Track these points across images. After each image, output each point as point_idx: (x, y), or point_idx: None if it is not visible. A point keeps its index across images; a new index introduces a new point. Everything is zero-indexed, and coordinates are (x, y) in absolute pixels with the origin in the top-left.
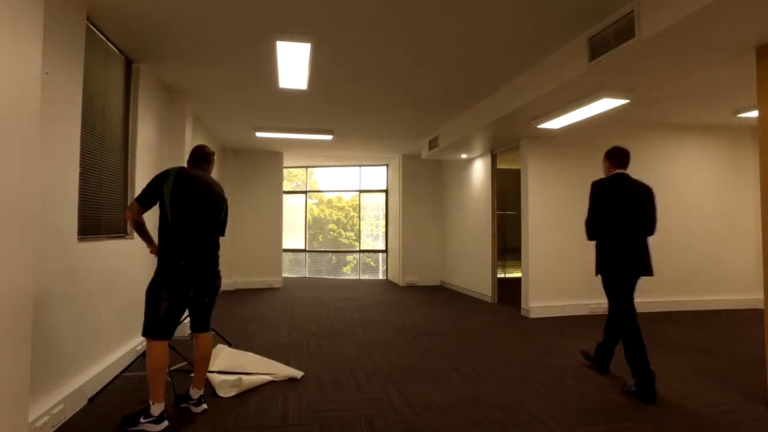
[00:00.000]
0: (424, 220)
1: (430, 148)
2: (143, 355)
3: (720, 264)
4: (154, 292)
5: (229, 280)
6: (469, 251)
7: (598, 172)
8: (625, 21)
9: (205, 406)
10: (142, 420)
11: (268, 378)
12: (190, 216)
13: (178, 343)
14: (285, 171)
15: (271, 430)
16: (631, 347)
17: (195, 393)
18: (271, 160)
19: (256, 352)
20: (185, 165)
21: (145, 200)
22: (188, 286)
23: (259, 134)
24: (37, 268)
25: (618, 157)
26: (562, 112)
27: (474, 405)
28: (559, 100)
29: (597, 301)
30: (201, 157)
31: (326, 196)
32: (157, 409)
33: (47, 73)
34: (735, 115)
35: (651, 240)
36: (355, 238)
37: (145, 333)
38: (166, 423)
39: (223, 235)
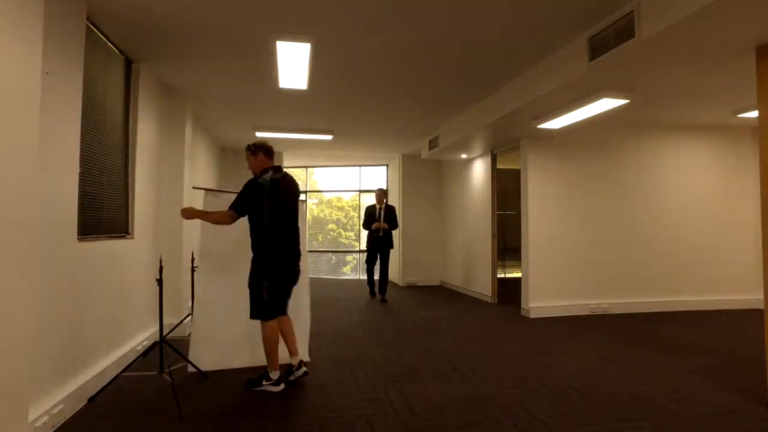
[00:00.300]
0: (424, 219)
1: (430, 148)
2: (143, 354)
3: (720, 264)
4: (258, 282)
5: None
6: (469, 251)
7: (599, 172)
8: (625, 21)
9: (305, 369)
10: (264, 382)
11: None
12: (283, 219)
13: (178, 343)
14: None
15: (272, 430)
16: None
17: (294, 360)
18: None
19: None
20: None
21: (242, 209)
22: (285, 274)
23: (259, 134)
24: (37, 268)
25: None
26: (562, 112)
27: (474, 405)
28: (559, 100)
29: (597, 301)
30: (272, 152)
31: (326, 196)
32: (275, 374)
33: (47, 73)
34: (735, 115)
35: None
36: (355, 238)
37: (255, 316)
38: (283, 385)
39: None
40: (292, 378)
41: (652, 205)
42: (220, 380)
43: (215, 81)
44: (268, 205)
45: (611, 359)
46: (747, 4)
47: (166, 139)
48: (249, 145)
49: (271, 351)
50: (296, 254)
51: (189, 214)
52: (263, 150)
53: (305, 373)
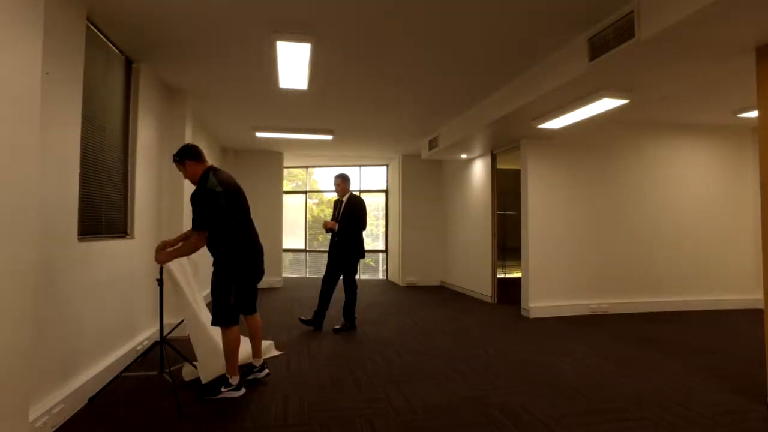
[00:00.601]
0: (424, 220)
1: (430, 148)
2: (143, 355)
3: (720, 264)
4: (226, 287)
5: None
6: (469, 251)
7: (599, 172)
8: (625, 21)
9: (267, 371)
10: (223, 389)
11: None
12: (244, 217)
13: (178, 343)
14: (285, 171)
15: (271, 430)
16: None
17: (257, 362)
18: (271, 160)
19: None
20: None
21: (208, 224)
22: (253, 274)
23: (259, 134)
24: (37, 268)
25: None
26: (562, 112)
27: (474, 405)
28: (559, 100)
29: (597, 301)
30: (198, 152)
31: (326, 196)
32: (235, 380)
33: (47, 73)
34: (735, 115)
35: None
36: None
37: (218, 323)
38: (243, 390)
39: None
40: (251, 377)
41: (652, 205)
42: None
43: (215, 81)
44: (228, 208)
45: (611, 359)
46: (747, 4)
47: (166, 139)
48: (174, 156)
49: (232, 357)
50: (261, 251)
51: (163, 257)
52: (188, 154)
53: (268, 374)
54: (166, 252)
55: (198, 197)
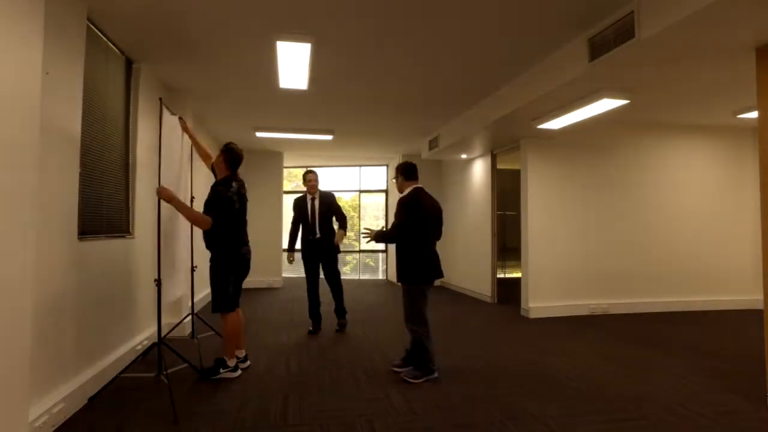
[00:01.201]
0: None
1: (430, 148)
2: (143, 354)
3: (720, 264)
4: (225, 277)
5: None
6: (469, 251)
7: (599, 172)
8: (625, 21)
9: (249, 362)
10: (221, 371)
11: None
12: (243, 220)
13: (178, 344)
14: (285, 171)
15: (271, 430)
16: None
17: (241, 353)
18: (271, 160)
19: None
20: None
21: (216, 218)
22: (245, 269)
23: (259, 134)
24: (36, 268)
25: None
26: (562, 112)
27: (474, 405)
28: (559, 100)
29: (597, 301)
30: (239, 162)
31: None
32: (233, 362)
33: (47, 73)
34: (735, 116)
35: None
36: (354, 238)
37: (220, 310)
38: (240, 371)
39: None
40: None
41: (652, 205)
42: (219, 381)
43: (215, 81)
44: (237, 209)
45: (611, 359)
46: (747, 4)
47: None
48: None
49: (232, 340)
50: (250, 251)
51: (166, 195)
52: (227, 155)
53: (248, 365)
54: (172, 194)
55: (216, 195)
